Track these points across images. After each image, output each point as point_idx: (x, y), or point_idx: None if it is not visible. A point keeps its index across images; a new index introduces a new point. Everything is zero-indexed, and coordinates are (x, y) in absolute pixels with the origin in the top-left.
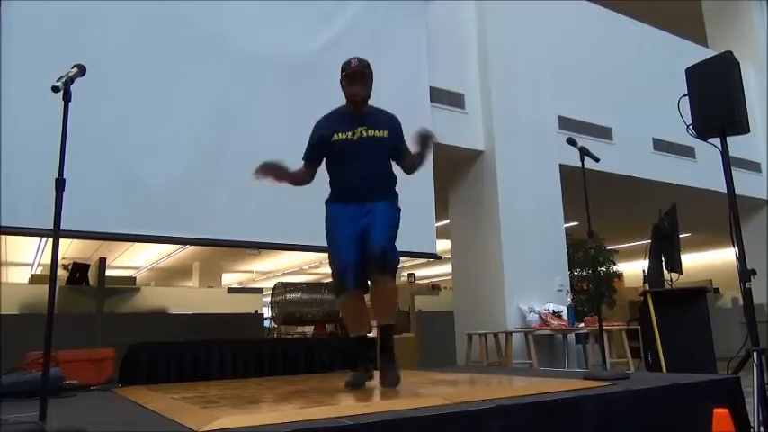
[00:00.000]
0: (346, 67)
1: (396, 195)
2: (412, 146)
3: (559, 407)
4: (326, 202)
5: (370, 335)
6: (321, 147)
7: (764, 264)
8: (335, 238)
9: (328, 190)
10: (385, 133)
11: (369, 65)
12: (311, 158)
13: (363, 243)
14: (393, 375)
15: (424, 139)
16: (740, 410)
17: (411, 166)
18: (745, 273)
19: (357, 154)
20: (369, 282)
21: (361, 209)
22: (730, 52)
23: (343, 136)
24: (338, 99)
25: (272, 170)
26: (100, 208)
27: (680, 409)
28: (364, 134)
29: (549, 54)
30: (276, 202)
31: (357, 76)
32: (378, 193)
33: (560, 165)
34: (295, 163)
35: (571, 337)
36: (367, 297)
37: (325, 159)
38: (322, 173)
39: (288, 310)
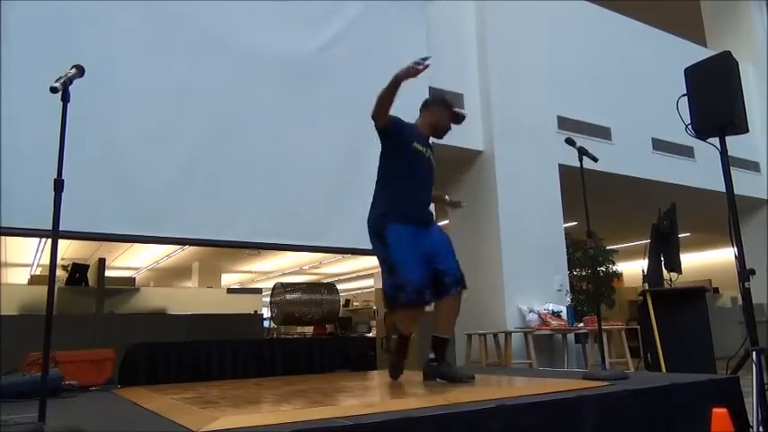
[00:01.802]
0: (454, 104)
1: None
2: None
3: (559, 407)
4: (385, 217)
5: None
6: (404, 134)
7: (764, 263)
8: (408, 257)
9: (326, 192)
10: (434, 162)
11: None
12: (396, 120)
13: (428, 265)
14: (463, 374)
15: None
16: (739, 410)
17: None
18: (744, 272)
19: (425, 169)
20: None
21: (420, 229)
22: (729, 52)
23: (420, 148)
24: (338, 98)
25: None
26: (99, 208)
27: (679, 409)
28: (431, 157)
29: (549, 54)
30: (276, 202)
31: (461, 120)
32: (430, 213)
33: (559, 165)
34: (295, 164)
35: (571, 337)
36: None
37: (386, 164)
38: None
39: (287, 310)
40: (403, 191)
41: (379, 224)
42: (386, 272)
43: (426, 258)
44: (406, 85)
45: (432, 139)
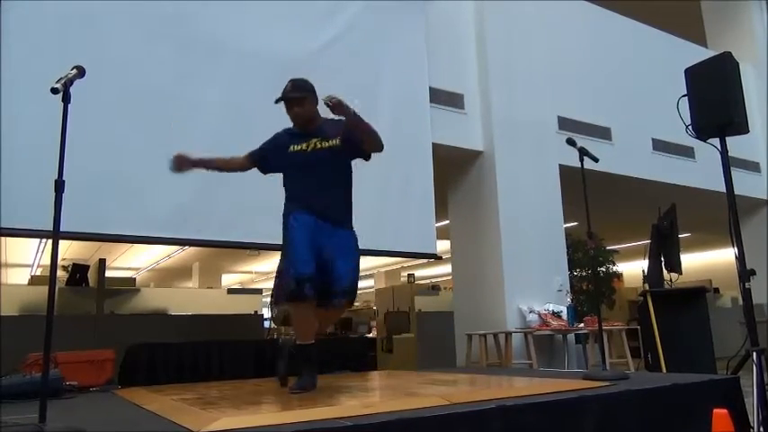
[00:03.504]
0: (281, 98)
1: (351, 221)
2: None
3: (559, 407)
4: (288, 209)
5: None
6: (275, 151)
7: (764, 264)
8: (298, 248)
9: None
10: (337, 141)
11: (304, 84)
12: (257, 155)
13: (323, 265)
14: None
15: (335, 106)
16: (740, 410)
17: (362, 140)
18: (744, 273)
19: (313, 166)
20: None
21: (324, 226)
22: (729, 52)
23: (298, 148)
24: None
25: (184, 160)
26: (99, 209)
27: (680, 410)
28: (318, 145)
29: (549, 54)
30: (276, 202)
31: (290, 101)
32: (339, 212)
33: (560, 165)
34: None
35: (571, 337)
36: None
37: (282, 175)
38: None
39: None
40: (297, 192)
41: (287, 211)
42: (281, 260)
43: (321, 258)
44: (405, 86)
45: (426, 136)
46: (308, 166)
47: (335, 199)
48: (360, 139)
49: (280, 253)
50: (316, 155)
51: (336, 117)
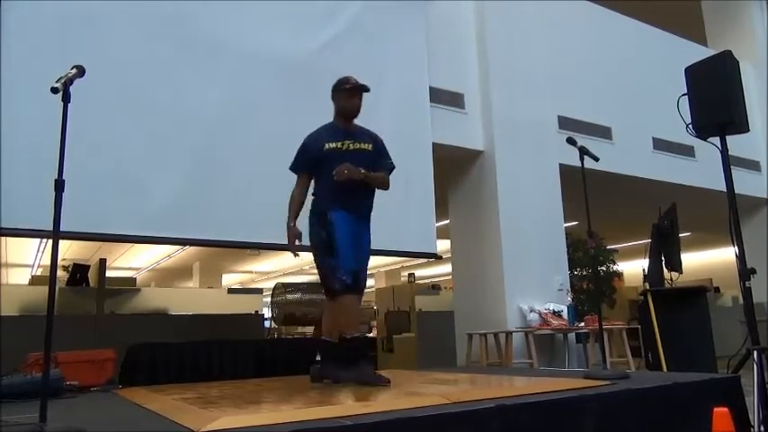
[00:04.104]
0: (348, 81)
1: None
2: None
3: (560, 406)
4: (324, 206)
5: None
6: (312, 153)
7: (764, 263)
8: (346, 243)
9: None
10: (369, 146)
11: None
12: (304, 169)
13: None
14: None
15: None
16: (740, 409)
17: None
18: (744, 272)
19: (345, 160)
20: None
21: (358, 223)
22: (729, 51)
23: (334, 145)
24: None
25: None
26: (100, 209)
27: (680, 409)
28: (353, 146)
29: (549, 54)
30: (276, 202)
31: (359, 90)
32: (364, 209)
33: (560, 164)
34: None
35: (571, 336)
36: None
37: (313, 172)
38: None
39: (288, 310)
40: (329, 188)
41: (322, 208)
42: (321, 256)
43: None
44: (406, 85)
45: (426, 136)
46: (343, 160)
47: (364, 196)
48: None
49: (311, 252)
50: (350, 154)
51: (365, 128)
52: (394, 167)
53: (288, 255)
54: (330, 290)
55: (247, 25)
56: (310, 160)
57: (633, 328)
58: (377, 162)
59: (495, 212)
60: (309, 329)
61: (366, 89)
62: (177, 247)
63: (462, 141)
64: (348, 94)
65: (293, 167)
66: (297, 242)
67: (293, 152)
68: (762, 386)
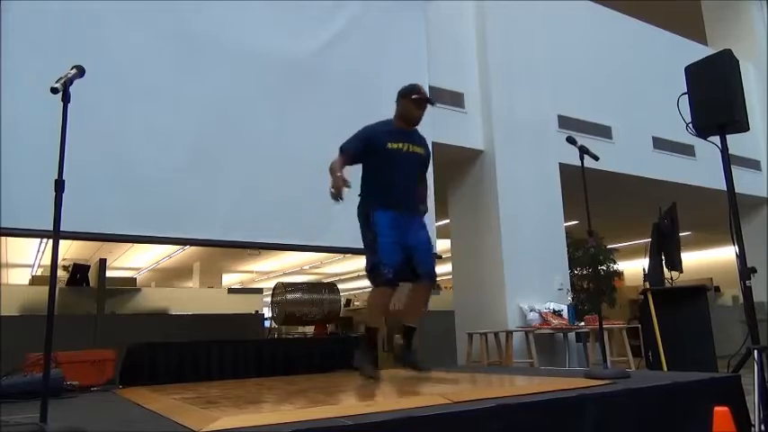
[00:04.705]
0: (417, 90)
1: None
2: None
3: (560, 406)
4: (369, 206)
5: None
6: (372, 146)
7: (764, 262)
8: (386, 240)
9: (327, 192)
10: (422, 150)
11: None
12: (356, 153)
13: (407, 252)
14: (424, 365)
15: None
16: (741, 409)
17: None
18: (745, 271)
19: (404, 165)
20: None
21: (402, 218)
22: (729, 50)
23: (395, 146)
24: (339, 98)
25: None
26: (100, 209)
27: (680, 408)
28: (411, 149)
29: (549, 53)
30: (277, 202)
31: (425, 102)
32: (414, 205)
33: (560, 164)
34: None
35: (572, 335)
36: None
37: (365, 164)
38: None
39: (288, 310)
40: (382, 184)
41: (367, 209)
42: (369, 253)
43: (405, 247)
44: (403, 85)
45: (433, 139)
46: (401, 163)
47: (413, 193)
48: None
49: (363, 249)
50: (409, 156)
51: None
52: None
53: (289, 254)
54: (373, 284)
55: (248, 25)
56: (366, 149)
57: (633, 327)
58: (424, 165)
59: (496, 212)
60: (309, 329)
61: (432, 103)
62: (177, 247)
63: (462, 141)
64: (416, 103)
65: (347, 146)
66: (343, 187)
67: (293, 152)
68: (762, 385)
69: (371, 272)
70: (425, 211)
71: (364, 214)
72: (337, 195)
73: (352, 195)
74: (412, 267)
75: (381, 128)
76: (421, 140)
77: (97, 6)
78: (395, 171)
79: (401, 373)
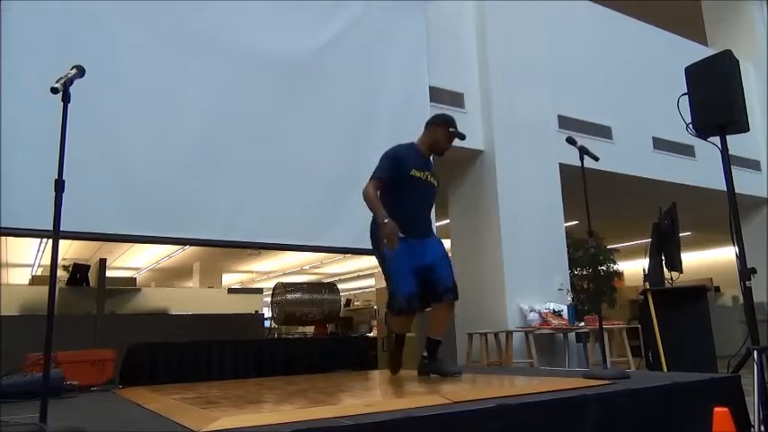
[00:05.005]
0: (453, 123)
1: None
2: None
3: (560, 406)
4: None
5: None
6: (401, 169)
7: (764, 262)
8: (401, 271)
9: (327, 192)
10: (437, 182)
11: None
12: (390, 179)
13: (424, 275)
14: (452, 369)
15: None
16: (741, 409)
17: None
18: (745, 271)
19: (423, 191)
20: (430, 304)
21: (417, 244)
22: (730, 51)
23: (419, 174)
24: (339, 98)
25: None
26: (100, 209)
27: (680, 408)
28: (430, 178)
29: (549, 53)
30: (277, 202)
31: (456, 136)
32: (428, 231)
33: (560, 164)
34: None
35: (571, 336)
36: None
37: (388, 187)
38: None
39: (288, 310)
40: (401, 212)
41: (378, 237)
42: (386, 279)
43: (421, 269)
44: (406, 85)
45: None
46: (421, 191)
47: (429, 219)
48: None
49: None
50: (428, 185)
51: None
52: None
53: (289, 254)
54: (389, 310)
55: (248, 25)
56: (395, 176)
57: (633, 327)
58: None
59: (496, 212)
60: (310, 329)
61: (462, 137)
62: (177, 247)
63: (462, 141)
64: (450, 136)
65: (379, 175)
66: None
67: (293, 152)
68: (762, 386)
69: (389, 298)
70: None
71: (375, 240)
72: (393, 246)
73: (353, 196)
74: (432, 286)
75: (407, 152)
76: (436, 172)
77: (97, 6)
78: (414, 199)
79: (401, 374)
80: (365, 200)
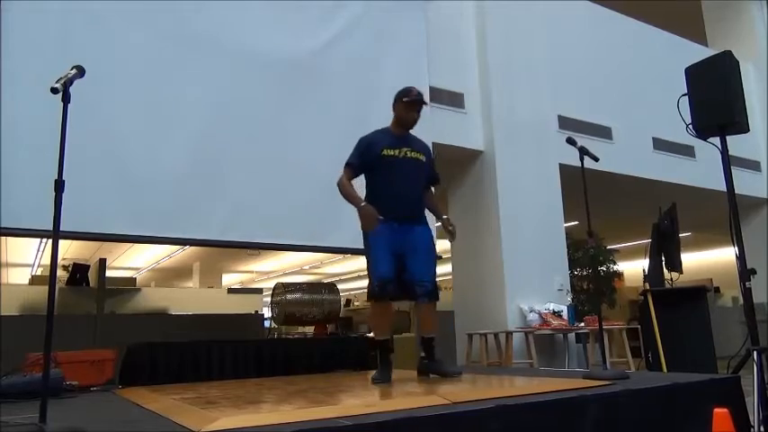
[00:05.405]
0: (409, 93)
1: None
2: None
3: (560, 406)
4: None
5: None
6: (368, 154)
7: (764, 263)
8: (378, 253)
9: (326, 192)
10: (423, 157)
11: None
12: (358, 165)
13: (403, 263)
14: (451, 369)
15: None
16: (740, 410)
17: (430, 202)
18: (745, 272)
19: (402, 172)
20: (411, 298)
21: (401, 227)
22: (730, 51)
23: (392, 152)
24: (338, 98)
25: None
26: (100, 209)
27: (680, 409)
28: (409, 154)
29: (549, 54)
30: (277, 202)
31: (419, 104)
32: (416, 214)
33: (560, 164)
34: (295, 164)
35: (571, 336)
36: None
37: (365, 174)
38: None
39: (288, 310)
40: (380, 194)
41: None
42: (368, 263)
43: (398, 255)
44: (405, 85)
45: (426, 136)
46: (399, 170)
47: (416, 201)
48: (429, 199)
49: (363, 257)
50: (407, 162)
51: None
52: (439, 180)
53: (289, 255)
54: (367, 297)
55: (248, 25)
56: (365, 163)
57: (633, 328)
58: (428, 176)
59: (495, 212)
60: (309, 329)
61: (425, 103)
62: (177, 247)
63: (462, 141)
64: (407, 106)
65: (348, 161)
66: (375, 219)
67: (293, 152)
68: (762, 386)
69: (370, 283)
70: (440, 216)
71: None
72: (370, 227)
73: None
74: (410, 284)
75: (377, 135)
76: (420, 145)
77: (97, 6)
78: (392, 179)
79: (402, 374)
80: (339, 190)
